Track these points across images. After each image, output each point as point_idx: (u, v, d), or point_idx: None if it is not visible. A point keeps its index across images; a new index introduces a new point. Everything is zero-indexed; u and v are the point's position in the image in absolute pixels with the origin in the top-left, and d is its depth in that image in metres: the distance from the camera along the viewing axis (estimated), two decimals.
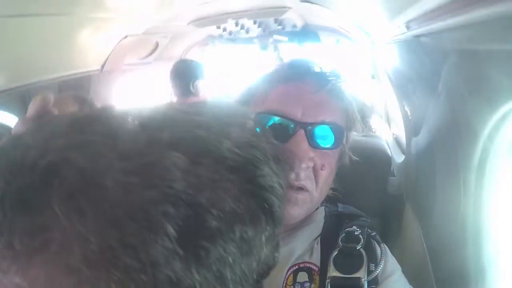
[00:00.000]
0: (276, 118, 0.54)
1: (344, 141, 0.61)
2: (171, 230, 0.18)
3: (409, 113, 0.80)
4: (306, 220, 0.60)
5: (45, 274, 0.18)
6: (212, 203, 0.19)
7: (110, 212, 0.18)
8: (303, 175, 0.54)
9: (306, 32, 1.31)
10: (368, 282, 0.50)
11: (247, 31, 1.38)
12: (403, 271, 0.56)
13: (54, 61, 0.89)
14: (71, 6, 0.75)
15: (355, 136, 0.95)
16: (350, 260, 0.51)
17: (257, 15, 1.18)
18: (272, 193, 0.23)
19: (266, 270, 0.26)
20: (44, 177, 0.18)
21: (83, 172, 0.18)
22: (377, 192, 0.89)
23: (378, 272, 0.51)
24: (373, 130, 1.32)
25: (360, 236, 0.55)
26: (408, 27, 0.53)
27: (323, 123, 0.55)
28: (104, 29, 0.97)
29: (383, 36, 0.71)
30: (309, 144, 0.53)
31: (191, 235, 0.18)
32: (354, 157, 0.67)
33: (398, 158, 0.93)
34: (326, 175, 0.57)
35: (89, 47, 0.96)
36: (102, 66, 1.08)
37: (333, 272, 0.50)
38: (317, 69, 0.59)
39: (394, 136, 1.10)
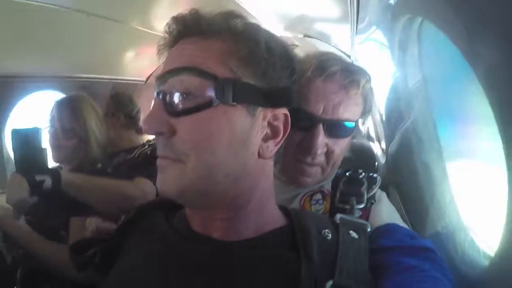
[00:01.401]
0: (302, 111, 0.65)
1: (356, 129, 0.72)
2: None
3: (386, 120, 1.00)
4: None
5: None
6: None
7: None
8: (318, 157, 0.68)
9: None
10: (368, 199, 0.64)
11: None
12: None
13: (110, 62, 1.09)
14: (127, 14, 0.92)
15: None
16: (355, 184, 0.66)
17: None
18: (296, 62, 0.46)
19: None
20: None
21: None
22: None
23: (375, 189, 0.66)
24: None
25: (363, 173, 0.69)
26: None
27: (338, 120, 0.66)
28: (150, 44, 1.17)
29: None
30: (325, 135, 0.66)
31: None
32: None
33: (382, 160, 1.13)
34: (337, 155, 0.70)
35: (137, 58, 1.16)
36: (147, 79, 1.24)
37: (341, 189, 0.65)
38: (342, 67, 0.67)
39: (382, 149, 1.29)
